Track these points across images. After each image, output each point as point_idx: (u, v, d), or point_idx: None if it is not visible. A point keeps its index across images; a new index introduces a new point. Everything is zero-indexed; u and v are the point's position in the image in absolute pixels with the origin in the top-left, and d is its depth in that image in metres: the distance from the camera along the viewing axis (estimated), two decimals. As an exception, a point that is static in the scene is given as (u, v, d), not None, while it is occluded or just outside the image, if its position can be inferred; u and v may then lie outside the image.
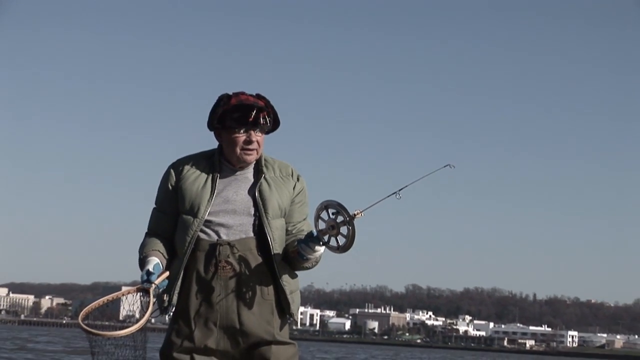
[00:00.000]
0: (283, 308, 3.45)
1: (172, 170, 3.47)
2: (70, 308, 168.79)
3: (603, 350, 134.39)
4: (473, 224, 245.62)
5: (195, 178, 3.42)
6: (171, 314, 3.42)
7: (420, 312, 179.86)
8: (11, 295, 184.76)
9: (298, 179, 3.53)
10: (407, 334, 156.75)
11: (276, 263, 3.40)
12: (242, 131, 3.38)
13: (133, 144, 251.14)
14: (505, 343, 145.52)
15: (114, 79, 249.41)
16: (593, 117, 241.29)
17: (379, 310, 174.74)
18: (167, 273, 3.37)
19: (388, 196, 3.28)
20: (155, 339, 3.35)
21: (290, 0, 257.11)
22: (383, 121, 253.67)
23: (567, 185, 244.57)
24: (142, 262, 3.36)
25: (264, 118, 3.38)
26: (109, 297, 3.30)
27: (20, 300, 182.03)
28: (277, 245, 3.41)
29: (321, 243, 3.29)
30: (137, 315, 3.24)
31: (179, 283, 3.38)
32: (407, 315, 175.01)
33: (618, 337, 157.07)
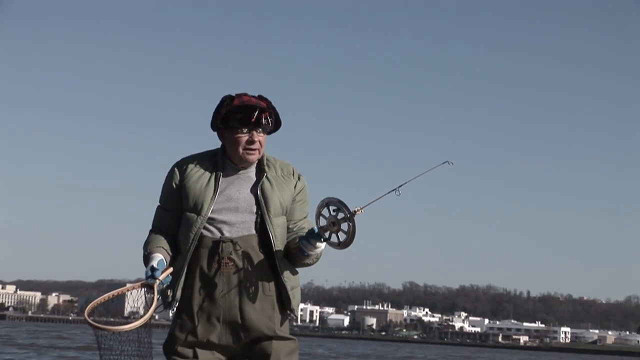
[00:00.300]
0: (284, 304, 3.45)
1: (176, 169, 3.48)
2: (76, 305, 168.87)
3: (595, 346, 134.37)
4: (469, 223, 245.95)
5: (198, 177, 3.43)
6: (175, 309, 3.42)
7: (417, 309, 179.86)
8: (19, 292, 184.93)
9: (299, 178, 3.53)
10: (405, 330, 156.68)
11: (277, 260, 3.40)
12: (244, 131, 3.38)
13: (137, 144, 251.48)
14: (500, 339, 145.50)
15: (121, 80, 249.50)
16: (589, 116, 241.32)
17: (377, 307, 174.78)
18: (171, 269, 3.37)
19: (387, 193, 3.28)
20: (157, 335, 3.34)
21: (290, 1, 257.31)
22: (382, 120, 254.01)
23: (560, 185, 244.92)
24: (147, 258, 3.36)
25: (265, 119, 3.39)
26: (114, 292, 3.31)
27: (27, 297, 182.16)
28: (278, 243, 3.41)
29: (322, 239, 3.29)
30: (142, 312, 3.24)
31: (182, 279, 3.38)
32: (405, 312, 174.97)
33: (610, 333, 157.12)
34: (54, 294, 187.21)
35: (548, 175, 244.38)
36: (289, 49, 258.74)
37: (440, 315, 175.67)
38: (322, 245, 3.33)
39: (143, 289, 3.29)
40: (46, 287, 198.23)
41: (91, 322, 3.12)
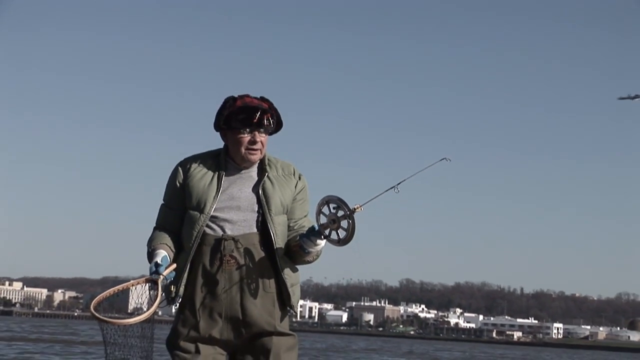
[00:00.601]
0: (284, 300, 3.45)
1: (179, 168, 3.47)
2: (81, 301, 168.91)
3: (587, 342, 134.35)
4: (465, 221, 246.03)
5: (202, 176, 3.43)
6: (177, 304, 3.41)
7: (414, 305, 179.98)
8: (25, 289, 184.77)
9: (299, 178, 3.53)
10: (401, 326, 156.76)
11: (278, 257, 3.40)
12: (246, 132, 3.38)
13: (141, 143, 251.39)
14: (494, 335, 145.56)
15: (126, 81, 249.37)
16: (583, 115, 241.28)
17: (374, 304, 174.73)
18: (175, 265, 3.37)
19: (386, 190, 3.27)
20: (159, 331, 3.34)
21: (289, 3, 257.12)
22: (381, 118, 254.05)
23: (554, 184, 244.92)
24: (151, 254, 3.36)
25: (267, 120, 3.39)
26: (119, 287, 3.30)
27: (33, 294, 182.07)
28: (279, 240, 3.41)
29: (322, 236, 3.29)
30: (145, 307, 3.23)
31: (185, 275, 3.38)
32: (401, 308, 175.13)
33: (601, 329, 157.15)
34: (59, 291, 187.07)
35: (542, 175, 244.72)
36: (289, 50, 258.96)
37: (436, 312, 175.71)
38: (322, 243, 3.33)
39: (147, 285, 3.29)
40: (52, 284, 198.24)
41: (97, 315, 3.12)
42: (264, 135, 3.41)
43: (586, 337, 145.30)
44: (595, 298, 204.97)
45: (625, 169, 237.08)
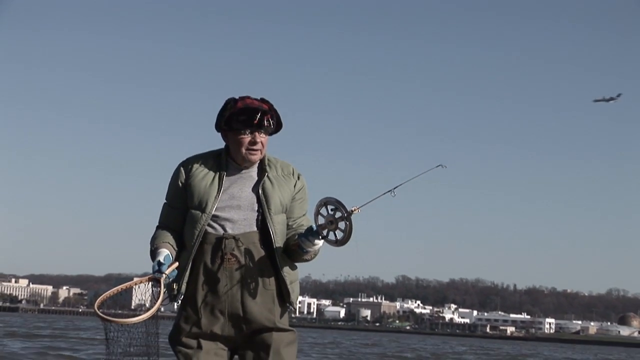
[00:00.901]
0: (283, 297, 3.45)
1: (182, 168, 3.47)
2: (85, 298, 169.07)
3: (578, 336, 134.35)
4: (459, 220, 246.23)
5: (203, 176, 3.42)
6: (180, 302, 3.41)
7: (410, 301, 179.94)
8: (31, 285, 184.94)
9: (298, 178, 3.53)
10: (397, 321, 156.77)
11: (278, 255, 3.40)
12: (247, 133, 3.38)
13: (144, 143, 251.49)
14: (488, 329, 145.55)
15: (131, 83, 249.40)
16: (578, 114, 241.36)
17: (371, 300, 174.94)
18: (177, 264, 3.37)
19: (383, 194, 3.28)
20: (163, 326, 3.34)
21: (288, 4, 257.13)
22: (380, 123, 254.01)
23: (545, 183, 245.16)
24: (154, 253, 3.36)
25: (267, 121, 3.39)
26: (123, 286, 3.30)
27: (39, 291, 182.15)
28: (278, 239, 3.41)
29: (320, 237, 3.29)
30: (148, 304, 3.23)
31: (187, 273, 3.38)
32: (397, 304, 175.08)
33: (592, 324, 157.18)
34: (64, 288, 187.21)
35: (534, 173, 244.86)
36: (289, 52, 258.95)
37: (431, 307, 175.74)
38: (320, 243, 3.33)
39: (150, 283, 3.28)
40: (57, 281, 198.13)
41: (100, 314, 3.12)
42: (264, 135, 3.41)
43: (577, 332, 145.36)
44: (586, 294, 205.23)
45: (616, 167, 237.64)
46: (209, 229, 3.38)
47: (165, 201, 3.51)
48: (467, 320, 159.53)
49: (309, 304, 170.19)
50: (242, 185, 3.43)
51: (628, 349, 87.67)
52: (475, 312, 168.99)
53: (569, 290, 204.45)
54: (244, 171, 3.45)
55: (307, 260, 3.46)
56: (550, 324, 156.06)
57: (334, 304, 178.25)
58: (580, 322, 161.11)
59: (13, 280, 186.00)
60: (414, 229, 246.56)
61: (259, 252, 3.38)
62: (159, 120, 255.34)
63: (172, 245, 3.39)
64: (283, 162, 3.54)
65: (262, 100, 3.43)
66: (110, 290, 3.26)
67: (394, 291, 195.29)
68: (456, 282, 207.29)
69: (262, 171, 3.46)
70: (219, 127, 3.44)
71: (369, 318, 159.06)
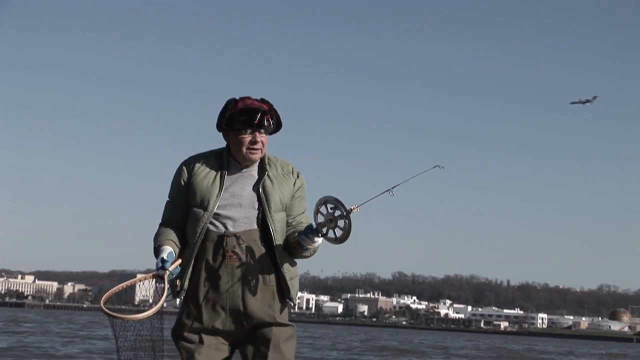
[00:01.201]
0: (284, 293, 3.45)
1: (184, 167, 3.47)
2: (90, 294, 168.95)
3: (570, 331, 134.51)
4: (454, 218, 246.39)
5: (205, 175, 3.42)
6: (182, 298, 3.42)
7: (406, 297, 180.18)
8: (37, 282, 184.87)
9: (298, 176, 3.53)
10: (394, 317, 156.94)
11: (278, 252, 3.40)
12: (248, 132, 3.38)
13: (147, 142, 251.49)
14: (482, 324, 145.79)
15: (135, 84, 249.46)
16: (573, 114, 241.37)
17: (368, 295, 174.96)
18: (180, 261, 3.37)
19: (382, 193, 3.29)
20: (166, 321, 3.35)
21: (287, 6, 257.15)
22: (378, 123, 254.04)
23: (538, 181, 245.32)
24: (157, 250, 3.36)
25: (267, 121, 3.39)
26: (128, 283, 3.31)
27: (45, 287, 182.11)
28: (278, 237, 3.41)
29: (320, 235, 3.29)
30: (151, 300, 3.24)
31: (189, 270, 3.38)
32: (394, 300, 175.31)
33: (583, 319, 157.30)
34: (69, 284, 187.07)
35: (526, 172, 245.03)
36: (288, 53, 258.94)
37: (426, 303, 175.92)
38: (319, 240, 3.33)
39: (154, 279, 3.29)
40: (62, 277, 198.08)
41: (107, 311, 3.13)
42: (264, 135, 3.41)
43: (569, 327, 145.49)
44: (577, 290, 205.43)
45: (607, 165, 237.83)
46: (211, 227, 3.38)
47: (168, 199, 3.51)
48: (461, 316, 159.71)
49: (308, 300, 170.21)
50: (243, 183, 3.43)
51: (619, 343, 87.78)
52: (469, 308, 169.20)
53: (561, 287, 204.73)
54: (244, 170, 3.45)
55: (306, 257, 3.47)
56: (542, 319, 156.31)
57: (332, 300, 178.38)
58: (572, 317, 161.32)
59: (19, 276, 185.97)
60: (411, 227, 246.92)
61: (259, 250, 3.38)
62: (162, 120, 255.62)
63: (175, 243, 3.39)
64: (283, 161, 3.54)
65: (262, 101, 3.43)
66: (116, 287, 3.27)
67: (390, 287, 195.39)
68: (451, 279, 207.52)
69: (262, 170, 3.46)
70: (220, 127, 3.45)
71: (366, 313, 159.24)
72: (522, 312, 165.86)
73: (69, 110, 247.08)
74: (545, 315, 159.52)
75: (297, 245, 3.37)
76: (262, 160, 3.47)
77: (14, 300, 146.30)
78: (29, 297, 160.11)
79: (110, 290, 3.23)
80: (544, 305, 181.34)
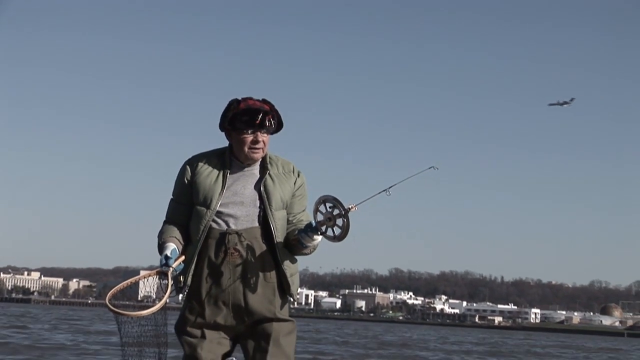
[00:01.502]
0: (284, 289, 3.46)
1: (187, 166, 3.48)
2: (94, 290, 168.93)
3: (562, 326, 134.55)
4: (449, 215, 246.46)
5: (208, 173, 3.43)
6: (185, 294, 3.42)
7: (402, 293, 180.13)
8: (43, 278, 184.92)
9: (298, 175, 3.54)
10: (391, 312, 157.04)
11: (278, 250, 3.41)
12: (249, 132, 3.38)
13: (152, 142, 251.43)
14: (477, 319, 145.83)
15: (137, 84, 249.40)
16: (570, 113, 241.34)
17: (365, 291, 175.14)
18: (183, 257, 3.38)
19: (379, 193, 3.30)
20: (169, 317, 3.35)
21: (286, 7, 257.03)
22: (377, 124, 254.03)
23: (532, 179, 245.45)
24: (161, 247, 3.37)
25: (269, 121, 3.39)
26: (132, 279, 3.31)
27: (50, 283, 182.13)
28: (279, 234, 3.42)
29: (319, 233, 3.30)
30: (154, 296, 3.25)
31: (192, 267, 3.38)
32: (391, 295, 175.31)
33: (575, 314, 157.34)
34: (74, 280, 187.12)
35: (520, 169, 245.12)
36: (288, 54, 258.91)
37: (422, 298, 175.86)
38: (319, 238, 3.34)
39: (158, 276, 3.29)
40: (67, 274, 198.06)
41: (112, 307, 3.13)
42: (265, 135, 3.42)
43: (562, 322, 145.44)
44: (570, 285, 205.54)
45: (599, 161, 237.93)
46: (214, 225, 3.38)
47: (172, 197, 3.51)
48: (457, 311, 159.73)
49: (307, 296, 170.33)
50: (244, 182, 3.43)
51: (610, 337, 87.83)
52: (464, 303, 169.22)
53: (553, 282, 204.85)
54: (246, 169, 3.46)
55: (306, 254, 3.48)
56: (535, 314, 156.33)
57: (330, 296, 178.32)
58: (564, 312, 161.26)
59: (25, 273, 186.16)
60: (407, 225, 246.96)
61: (260, 247, 3.39)
62: (165, 120, 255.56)
63: (178, 240, 3.40)
64: (284, 160, 3.54)
65: (264, 101, 3.43)
66: (121, 284, 3.28)
67: (387, 283, 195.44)
68: (446, 275, 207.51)
69: (263, 169, 3.47)
70: (222, 126, 3.45)
71: (363, 309, 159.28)
72: (515, 307, 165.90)
73: (72, 110, 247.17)
74: (538, 311, 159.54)
75: (297, 242, 3.38)
76: (264, 159, 3.48)
77: (20, 296, 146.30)
78: (35, 293, 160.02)
79: (115, 287, 3.23)
80: (537, 301, 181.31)
